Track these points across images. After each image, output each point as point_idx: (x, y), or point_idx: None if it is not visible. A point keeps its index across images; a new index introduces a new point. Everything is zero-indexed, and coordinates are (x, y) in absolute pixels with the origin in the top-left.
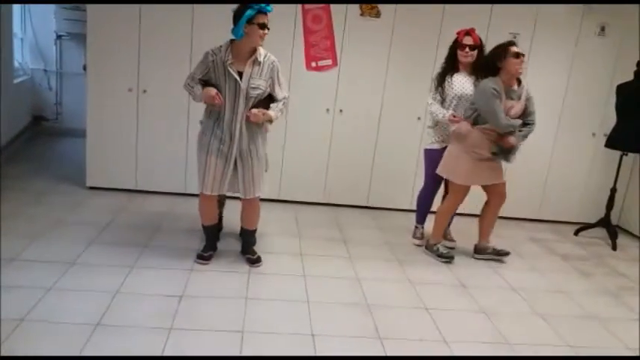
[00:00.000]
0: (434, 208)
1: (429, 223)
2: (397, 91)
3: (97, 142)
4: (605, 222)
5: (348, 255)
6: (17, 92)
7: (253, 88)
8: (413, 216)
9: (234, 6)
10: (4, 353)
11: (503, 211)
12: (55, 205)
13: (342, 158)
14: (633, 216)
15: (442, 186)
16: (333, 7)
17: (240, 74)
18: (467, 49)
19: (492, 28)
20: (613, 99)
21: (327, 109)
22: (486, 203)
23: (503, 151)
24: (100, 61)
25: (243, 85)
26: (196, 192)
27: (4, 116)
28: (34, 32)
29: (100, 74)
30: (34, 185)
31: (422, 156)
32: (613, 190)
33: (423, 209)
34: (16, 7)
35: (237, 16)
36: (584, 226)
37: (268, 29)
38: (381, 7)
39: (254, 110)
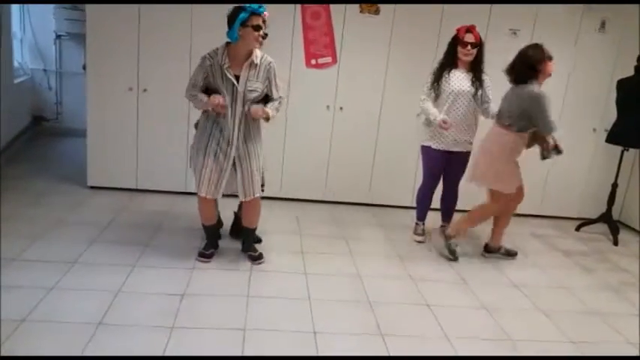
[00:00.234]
0: (435, 206)
1: (429, 219)
2: (397, 87)
3: (98, 142)
4: (606, 217)
5: (349, 252)
6: (17, 92)
7: (250, 91)
8: (414, 213)
9: (232, 6)
10: (4, 353)
11: None
12: (55, 204)
13: (343, 155)
14: (634, 211)
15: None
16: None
17: (237, 77)
18: (469, 47)
19: (492, 27)
20: (613, 94)
21: (328, 107)
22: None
23: (550, 152)
24: (100, 60)
25: (240, 88)
26: (196, 191)
27: (4, 116)
28: (33, 32)
29: (99, 74)
30: (35, 185)
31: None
32: (614, 186)
33: (422, 206)
34: (15, 7)
35: (231, 20)
36: (585, 222)
37: (266, 35)
38: (381, 4)
39: (254, 106)
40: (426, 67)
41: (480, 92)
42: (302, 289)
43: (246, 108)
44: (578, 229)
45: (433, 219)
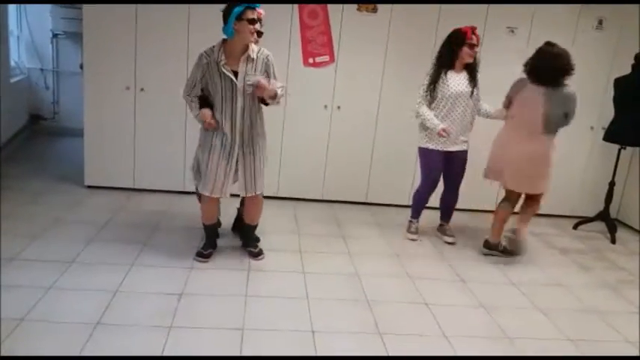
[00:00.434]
0: (433, 205)
1: (425, 218)
2: (395, 86)
3: (95, 141)
4: (603, 215)
5: (347, 251)
6: (14, 91)
7: (250, 85)
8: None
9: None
10: (4, 353)
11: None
12: (53, 204)
13: (341, 154)
14: (632, 209)
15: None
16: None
17: (236, 73)
18: (475, 49)
19: (489, 25)
20: (611, 92)
21: (325, 106)
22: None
23: None
24: (97, 59)
25: (239, 84)
26: (194, 190)
27: (1, 116)
28: (30, 31)
29: (96, 73)
30: (33, 185)
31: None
32: (611, 184)
33: (418, 205)
34: (12, 6)
35: (226, 15)
36: (583, 220)
37: (261, 33)
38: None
39: (262, 81)
40: (423, 66)
41: (475, 91)
42: (300, 289)
43: (248, 101)
44: (575, 227)
45: (429, 218)
